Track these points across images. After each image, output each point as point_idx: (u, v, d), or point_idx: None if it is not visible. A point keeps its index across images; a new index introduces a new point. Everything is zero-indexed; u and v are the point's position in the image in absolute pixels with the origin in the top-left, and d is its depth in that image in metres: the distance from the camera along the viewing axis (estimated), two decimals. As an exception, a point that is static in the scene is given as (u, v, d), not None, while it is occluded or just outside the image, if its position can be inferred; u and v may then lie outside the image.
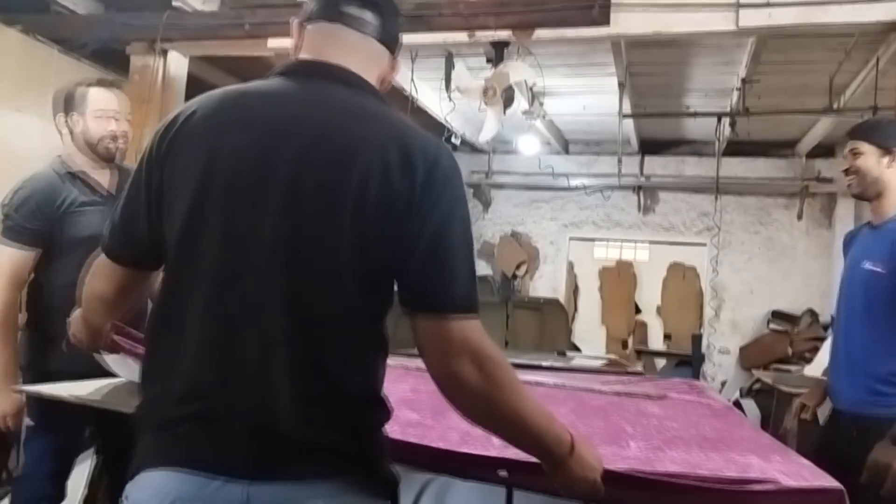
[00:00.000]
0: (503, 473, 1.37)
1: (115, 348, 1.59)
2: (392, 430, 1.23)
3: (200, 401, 1.08)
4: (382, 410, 1.17)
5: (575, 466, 1.19)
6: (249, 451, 1.06)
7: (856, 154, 2.51)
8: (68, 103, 2.71)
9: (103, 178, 2.70)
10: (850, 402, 2.44)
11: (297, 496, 1.05)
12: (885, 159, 2.43)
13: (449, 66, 4.75)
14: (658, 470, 1.43)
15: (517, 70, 4.06)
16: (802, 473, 1.48)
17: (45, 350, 2.42)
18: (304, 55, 1.26)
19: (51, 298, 2.46)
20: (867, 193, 2.50)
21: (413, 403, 2.00)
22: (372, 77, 1.26)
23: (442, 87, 4.89)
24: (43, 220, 2.48)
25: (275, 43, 4.27)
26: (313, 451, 1.07)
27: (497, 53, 4.04)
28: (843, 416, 2.47)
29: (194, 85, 5.03)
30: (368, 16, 1.25)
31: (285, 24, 4.58)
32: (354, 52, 1.24)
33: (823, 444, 2.48)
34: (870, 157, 2.45)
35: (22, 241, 2.47)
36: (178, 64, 4.62)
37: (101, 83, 2.79)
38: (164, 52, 4.49)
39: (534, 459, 1.23)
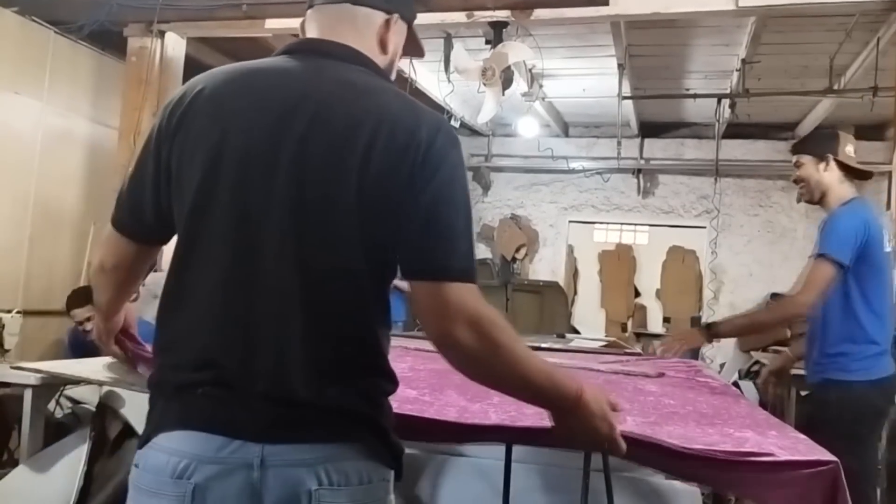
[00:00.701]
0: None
1: (123, 347, 1.58)
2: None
3: (216, 368, 1.12)
4: (390, 380, 1.20)
5: (582, 417, 1.20)
6: (264, 415, 1.09)
7: (798, 165, 2.86)
8: None
9: None
10: (807, 374, 2.88)
11: (308, 458, 1.09)
12: (822, 165, 2.78)
13: (448, 48, 4.73)
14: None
15: (516, 50, 4.04)
16: (798, 447, 1.49)
17: None
18: (306, 35, 1.29)
19: None
20: (814, 197, 2.83)
21: (411, 381, 2.01)
22: (368, 45, 1.26)
23: (441, 69, 4.87)
24: None
25: (272, 24, 4.26)
26: (325, 415, 1.10)
27: (496, 34, 4.03)
28: (808, 388, 2.94)
29: (192, 66, 5.02)
30: None
31: (283, 4, 4.57)
32: (342, 25, 1.25)
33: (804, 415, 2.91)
34: (809, 166, 2.81)
35: None
36: (175, 45, 4.61)
37: None
38: (162, 34, 4.49)
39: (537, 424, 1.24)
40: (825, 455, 1.39)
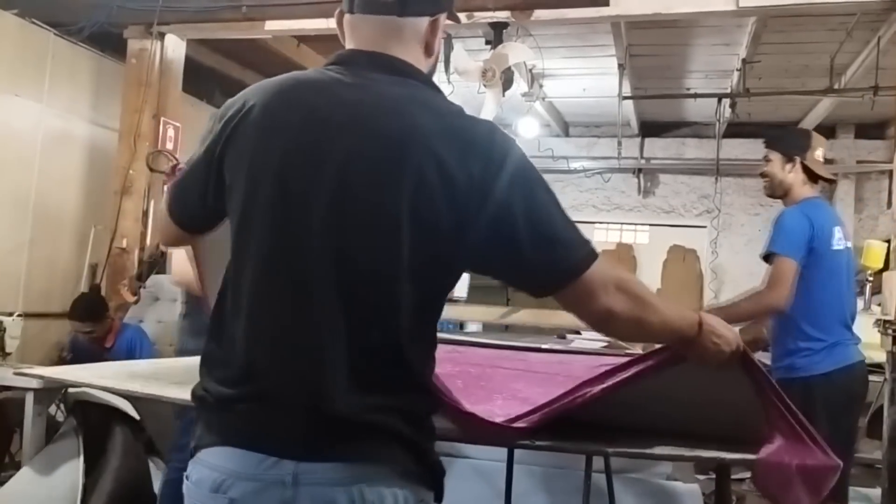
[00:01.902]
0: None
1: None
2: None
3: (258, 381, 1.12)
4: (432, 399, 1.19)
5: (706, 342, 1.26)
6: (299, 432, 1.09)
7: (767, 160, 2.95)
8: None
9: None
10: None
11: (344, 476, 1.07)
12: (788, 165, 2.87)
13: (448, 48, 4.73)
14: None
15: (516, 51, 4.04)
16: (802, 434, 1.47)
17: None
18: (350, 45, 1.26)
19: None
20: (776, 194, 2.94)
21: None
22: (413, 55, 1.24)
23: (441, 69, 4.87)
24: None
25: (272, 25, 4.26)
26: (361, 434, 1.09)
27: (496, 35, 4.02)
28: None
29: (192, 68, 5.02)
30: None
31: (283, 6, 4.56)
32: (387, 36, 1.23)
33: None
34: (776, 164, 2.90)
35: None
36: (175, 47, 4.60)
37: None
38: (162, 36, 4.48)
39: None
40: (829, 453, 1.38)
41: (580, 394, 1.38)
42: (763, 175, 2.96)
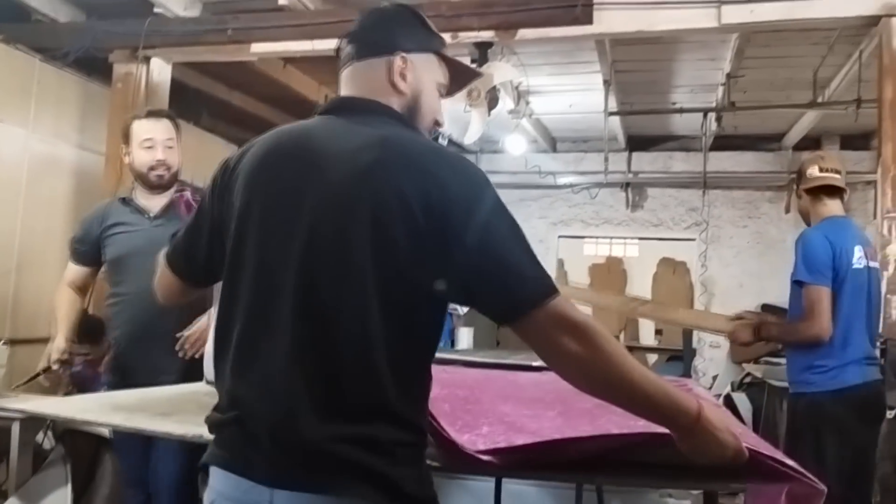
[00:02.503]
0: None
1: None
2: None
3: (236, 408, 1.18)
4: (409, 429, 1.17)
5: (706, 433, 1.19)
6: (272, 459, 1.12)
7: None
8: (125, 136, 2.86)
9: (152, 202, 2.81)
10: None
11: None
12: (797, 199, 3.14)
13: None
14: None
15: (501, 71, 4.06)
16: (787, 471, 1.48)
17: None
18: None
19: (104, 307, 2.91)
20: (806, 222, 3.15)
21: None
22: (380, 92, 1.30)
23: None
24: (89, 242, 2.83)
25: (258, 48, 4.26)
26: (333, 465, 1.10)
27: (481, 54, 4.04)
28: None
29: (179, 91, 5.02)
30: (351, 46, 1.34)
31: (268, 28, 4.55)
32: (355, 80, 1.33)
33: None
34: (795, 202, 3.20)
35: (75, 259, 2.89)
36: (161, 70, 4.60)
37: (148, 114, 2.89)
38: (147, 59, 4.48)
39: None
40: (814, 482, 1.38)
41: (564, 445, 1.36)
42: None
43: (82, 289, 2.96)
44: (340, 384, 1.12)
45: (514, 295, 1.14)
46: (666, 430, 1.22)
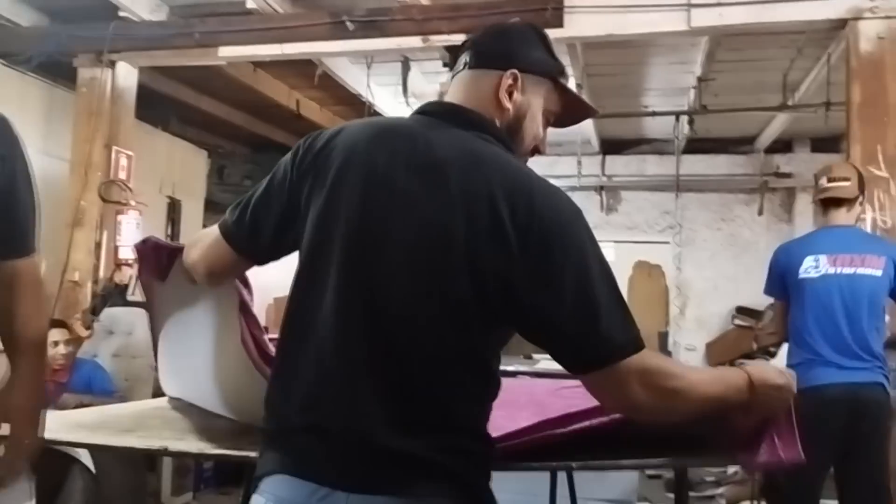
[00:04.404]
0: None
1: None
2: None
3: (313, 412, 1.15)
4: (479, 439, 1.19)
5: (765, 398, 1.20)
6: (350, 464, 1.11)
7: None
8: None
9: None
10: None
11: None
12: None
13: (405, 71, 4.72)
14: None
15: (472, 74, 4.03)
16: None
17: None
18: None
19: None
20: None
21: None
22: (484, 105, 1.27)
23: (399, 92, 4.85)
24: None
25: (226, 52, 4.20)
26: (409, 468, 1.11)
27: (452, 58, 4.00)
28: None
29: (147, 96, 4.94)
30: (468, 53, 1.32)
31: (236, 32, 4.49)
32: (462, 88, 1.30)
33: None
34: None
35: None
36: (126, 75, 4.53)
37: None
38: (113, 64, 4.40)
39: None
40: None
41: (541, 434, 1.35)
42: None
43: None
44: (421, 395, 1.13)
45: (603, 343, 1.10)
46: None
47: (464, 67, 1.31)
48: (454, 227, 1.12)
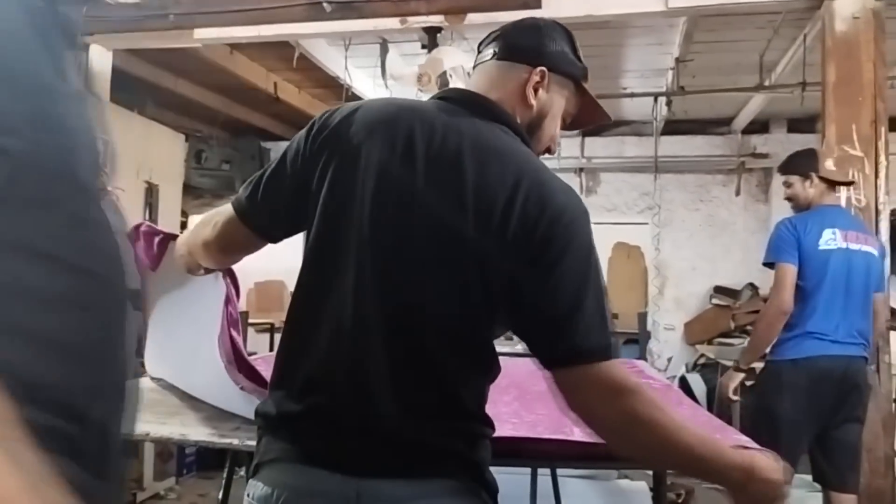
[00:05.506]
0: None
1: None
2: None
3: (317, 400, 1.14)
4: (485, 423, 1.21)
5: (759, 491, 1.15)
6: (360, 449, 1.11)
7: (788, 185, 3.31)
8: None
9: None
10: None
11: (403, 493, 1.10)
12: (807, 182, 3.23)
13: (384, 53, 4.69)
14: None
15: (450, 56, 4.01)
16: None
17: None
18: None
19: None
20: (801, 208, 3.27)
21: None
22: (507, 98, 1.27)
23: (378, 75, 4.82)
24: None
25: (201, 34, 4.15)
26: (419, 451, 1.12)
27: (430, 39, 4.00)
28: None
29: (122, 79, 4.88)
30: (496, 43, 1.32)
31: (211, 14, 4.42)
32: (486, 79, 1.30)
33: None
34: (797, 185, 3.26)
35: None
36: (101, 58, 4.47)
37: None
38: (86, 46, 4.33)
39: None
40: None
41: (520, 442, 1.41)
42: (788, 199, 3.33)
43: None
44: (429, 380, 1.14)
45: (575, 342, 1.11)
46: None
47: (491, 57, 1.30)
48: (467, 215, 1.12)
